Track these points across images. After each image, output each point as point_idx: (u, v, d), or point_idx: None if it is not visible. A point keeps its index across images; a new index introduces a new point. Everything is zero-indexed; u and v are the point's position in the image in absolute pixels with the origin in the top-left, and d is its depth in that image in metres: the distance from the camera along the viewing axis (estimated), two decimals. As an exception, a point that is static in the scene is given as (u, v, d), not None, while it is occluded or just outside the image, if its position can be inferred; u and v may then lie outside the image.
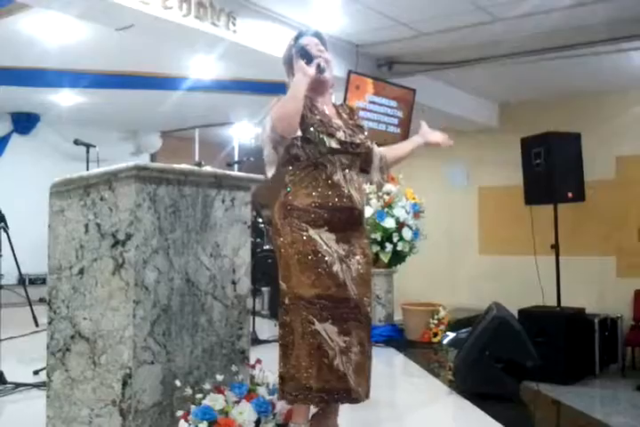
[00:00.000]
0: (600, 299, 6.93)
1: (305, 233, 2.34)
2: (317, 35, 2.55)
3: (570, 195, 6.33)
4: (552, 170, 6.32)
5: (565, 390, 5.26)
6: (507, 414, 3.18)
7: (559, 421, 3.55)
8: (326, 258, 2.34)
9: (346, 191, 2.39)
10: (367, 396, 2.42)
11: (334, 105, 2.60)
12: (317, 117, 2.42)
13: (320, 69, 2.40)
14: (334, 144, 2.39)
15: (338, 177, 2.39)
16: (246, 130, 9.00)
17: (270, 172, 2.44)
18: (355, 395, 2.35)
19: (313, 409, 2.47)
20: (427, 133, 2.73)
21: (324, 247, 2.34)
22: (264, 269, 5.66)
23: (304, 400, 2.31)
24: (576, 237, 6.90)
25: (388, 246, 5.20)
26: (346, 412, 2.55)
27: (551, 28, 4.98)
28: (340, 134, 2.43)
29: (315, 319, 2.29)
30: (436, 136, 2.73)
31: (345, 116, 2.56)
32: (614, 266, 6.99)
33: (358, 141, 2.48)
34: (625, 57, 5.67)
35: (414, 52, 5.65)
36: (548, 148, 6.32)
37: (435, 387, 3.82)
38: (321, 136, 2.38)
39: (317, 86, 2.48)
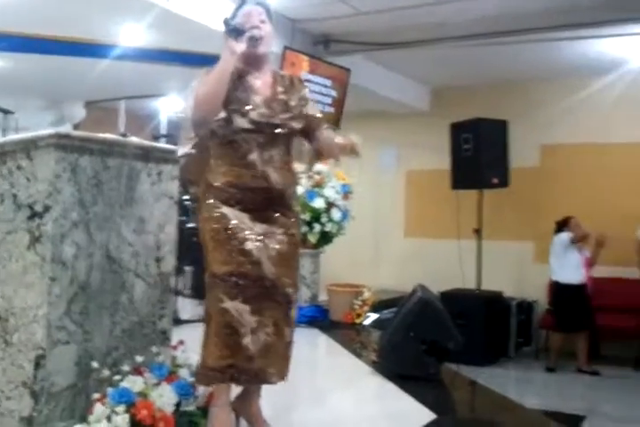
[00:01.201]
0: (518, 283, 7.16)
1: (218, 210, 2.30)
2: (262, 3, 2.44)
3: (495, 181, 6.48)
4: (479, 156, 6.44)
5: (482, 372, 5.41)
6: (427, 394, 3.22)
7: (477, 401, 3.64)
8: (238, 235, 2.28)
9: (260, 171, 2.32)
10: (283, 378, 2.39)
11: (275, 76, 2.48)
12: (236, 94, 2.32)
13: (253, 43, 2.30)
14: (245, 124, 2.31)
15: (253, 156, 2.32)
16: (175, 103, 8.75)
17: (183, 150, 2.37)
18: (264, 376, 2.32)
19: (237, 391, 2.42)
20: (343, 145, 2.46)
21: (237, 224, 2.29)
22: (188, 248, 5.53)
23: (211, 380, 2.27)
24: (498, 222, 7.07)
25: (317, 227, 5.18)
26: (265, 393, 2.51)
27: (490, 13, 5.02)
28: (254, 114, 2.32)
29: (225, 297, 2.24)
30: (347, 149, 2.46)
31: (280, 89, 2.44)
32: (532, 251, 7.22)
33: (277, 122, 2.36)
34: (554, 46, 5.78)
35: (352, 31, 5.59)
36: (477, 134, 6.44)
37: (357, 368, 3.84)
38: (232, 115, 2.30)
39: (252, 60, 2.39)
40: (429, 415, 2.89)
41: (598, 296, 6.34)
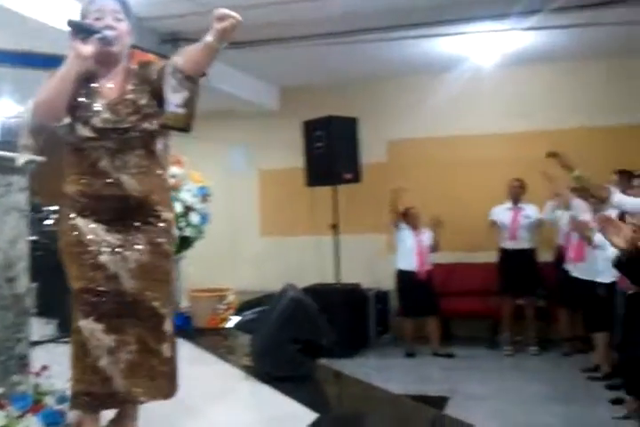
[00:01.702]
0: (374, 274, 7.38)
1: (71, 222, 2.17)
2: None
3: (348, 176, 6.62)
4: (332, 153, 6.55)
5: (346, 363, 5.50)
6: (305, 394, 3.22)
7: (352, 394, 3.68)
8: (91, 248, 2.15)
9: (114, 179, 2.18)
10: (156, 396, 2.26)
11: (128, 74, 2.30)
12: (80, 99, 2.18)
13: (105, 43, 2.15)
14: (88, 132, 2.17)
15: (103, 164, 2.18)
16: (8, 107, 8.10)
17: (23, 159, 2.19)
18: (130, 397, 2.19)
19: (111, 414, 2.27)
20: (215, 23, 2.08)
21: (90, 237, 2.15)
22: (31, 263, 5.16)
23: (75, 405, 2.13)
24: (353, 216, 7.25)
25: (176, 232, 5.00)
26: (141, 410, 2.37)
27: (335, 13, 5.10)
28: (96, 121, 2.17)
29: (79, 315, 2.11)
30: (222, 19, 2.07)
31: (130, 88, 2.25)
32: (385, 243, 7.48)
33: (126, 125, 2.20)
34: (399, 45, 5.97)
35: (199, 29, 5.42)
36: (329, 131, 6.54)
37: (230, 374, 3.75)
38: (74, 123, 2.17)
39: (104, 59, 2.23)
40: (311, 415, 2.88)
41: (448, 281, 6.71)
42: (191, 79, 2.17)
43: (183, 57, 2.19)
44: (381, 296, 7.26)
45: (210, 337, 4.89)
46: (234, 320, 5.29)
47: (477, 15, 5.00)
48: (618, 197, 3.65)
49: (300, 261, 7.42)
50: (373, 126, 7.22)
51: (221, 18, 2.04)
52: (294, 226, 7.74)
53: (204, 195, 5.20)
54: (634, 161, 5.31)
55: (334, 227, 6.78)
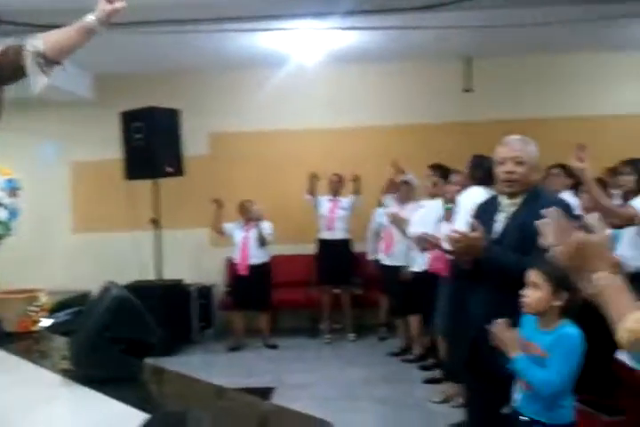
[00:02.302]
0: (197, 269, 7.31)
1: None
2: None
3: (169, 169, 6.45)
4: (152, 145, 6.33)
5: (169, 360, 5.37)
6: (132, 394, 3.06)
7: (176, 389, 3.57)
8: None
9: None
10: None
11: None
12: None
13: None
14: None
15: None
16: None
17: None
18: None
19: None
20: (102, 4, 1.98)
21: None
22: None
23: None
24: (176, 210, 7.10)
25: (-21, 229, 4.55)
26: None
27: (157, 1, 4.92)
28: None
29: None
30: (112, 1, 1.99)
31: None
32: (208, 236, 7.41)
33: None
34: (224, 37, 5.90)
35: (21, 11, 5.00)
36: (149, 123, 6.31)
37: (47, 380, 3.47)
38: None
39: None
40: (140, 416, 2.76)
41: (276, 273, 6.80)
42: (52, 65, 2.01)
43: (45, 40, 2.01)
44: (204, 291, 7.19)
45: (21, 342, 4.51)
46: (47, 322, 4.94)
47: (300, 12, 5.10)
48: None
49: (117, 258, 7.12)
50: (196, 118, 7.10)
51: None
52: (111, 221, 7.40)
53: (13, 188, 4.77)
54: (442, 156, 5.71)
55: (155, 222, 6.58)
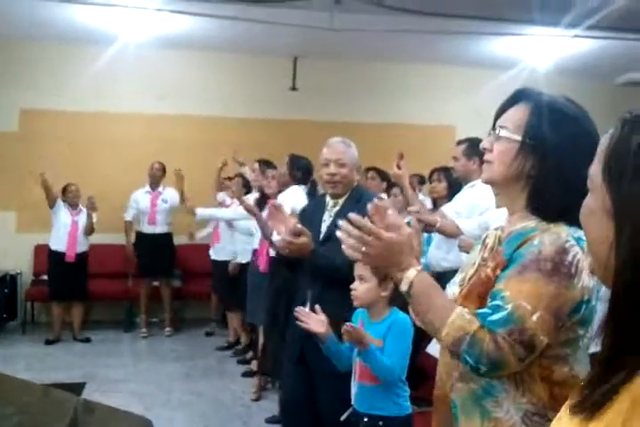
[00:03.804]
0: (7, 255, 6.71)
1: None
2: None
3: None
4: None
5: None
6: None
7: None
8: None
9: None
10: None
11: None
12: None
13: None
14: None
15: None
16: None
17: None
18: None
19: None
20: None
21: None
22: None
23: None
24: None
25: None
26: None
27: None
28: None
29: None
30: None
31: None
32: (15, 221, 6.87)
33: None
34: (42, 6, 5.44)
35: None
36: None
37: None
38: None
39: None
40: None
41: (93, 263, 6.47)
42: None
43: None
44: (8, 280, 6.64)
45: None
46: None
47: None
48: None
49: None
50: (5, 92, 6.51)
51: None
52: None
53: None
54: (265, 152, 5.71)
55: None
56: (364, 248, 1.37)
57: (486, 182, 1.56)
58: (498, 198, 1.59)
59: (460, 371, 1.43)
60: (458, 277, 1.58)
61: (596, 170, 0.81)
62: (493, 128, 1.49)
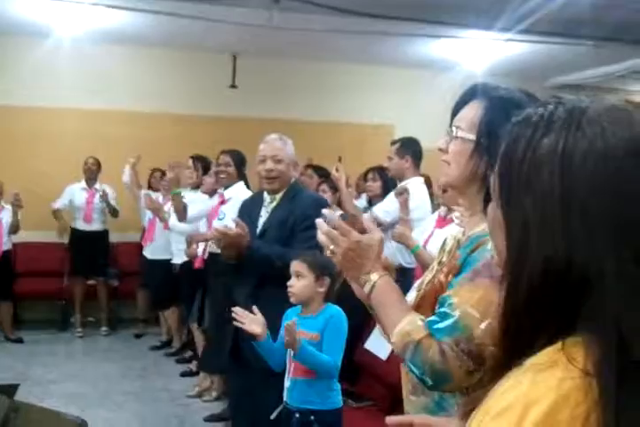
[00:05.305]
0: None
1: None
2: None
3: None
4: None
5: None
6: None
7: None
8: None
9: None
10: None
11: None
12: None
13: None
14: None
15: None
16: None
17: None
18: None
19: None
20: None
21: None
22: None
23: None
24: None
25: None
26: None
27: None
28: None
29: None
30: None
31: None
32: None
33: None
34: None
35: None
36: None
37: None
38: None
39: None
40: None
41: (21, 262, 6.29)
42: None
43: None
44: None
45: None
46: None
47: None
48: None
49: None
50: None
51: None
52: None
53: None
54: (203, 149, 5.65)
55: None
56: (332, 246, 1.35)
57: (444, 187, 1.51)
58: (448, 198, 1.51)
59: (412, 383, 1.39)
60: (417, 282, 1.55)
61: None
62: (450, 127, 1.42)
